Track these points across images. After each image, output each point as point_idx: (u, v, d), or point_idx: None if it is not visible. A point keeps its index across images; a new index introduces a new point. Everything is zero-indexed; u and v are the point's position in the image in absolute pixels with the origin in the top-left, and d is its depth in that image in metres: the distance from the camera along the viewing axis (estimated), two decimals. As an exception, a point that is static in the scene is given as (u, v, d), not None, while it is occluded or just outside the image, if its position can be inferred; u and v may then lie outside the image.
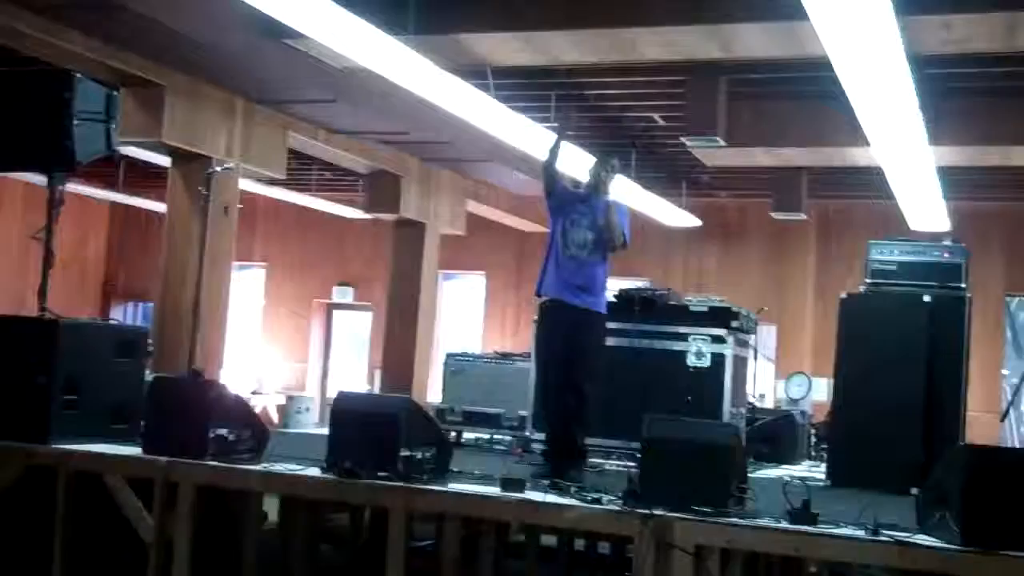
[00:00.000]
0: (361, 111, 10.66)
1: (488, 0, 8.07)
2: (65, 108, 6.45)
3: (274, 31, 8.29)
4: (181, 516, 5.94)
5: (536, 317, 7.01)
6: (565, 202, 6.90)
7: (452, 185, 14.51)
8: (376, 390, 15.25)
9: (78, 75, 6.64)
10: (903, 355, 7.52)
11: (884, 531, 4.86)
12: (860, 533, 4.88)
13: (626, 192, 12.18)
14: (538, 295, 6.89)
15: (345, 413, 5.96)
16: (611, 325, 7.30)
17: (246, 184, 12.88)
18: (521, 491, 5.57)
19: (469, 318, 18.20)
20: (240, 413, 6.32)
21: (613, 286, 7.47)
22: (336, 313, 19.12)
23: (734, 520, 5.06)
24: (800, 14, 6.41)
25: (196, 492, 5.96)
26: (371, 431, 5.77)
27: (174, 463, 5.99)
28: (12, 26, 7.96)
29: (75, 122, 6.46)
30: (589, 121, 12.17)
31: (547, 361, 6.84)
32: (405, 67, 8.13)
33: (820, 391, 13.30)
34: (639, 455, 5.57)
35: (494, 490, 5.62)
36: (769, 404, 13.74)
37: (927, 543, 4.77)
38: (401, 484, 5.60)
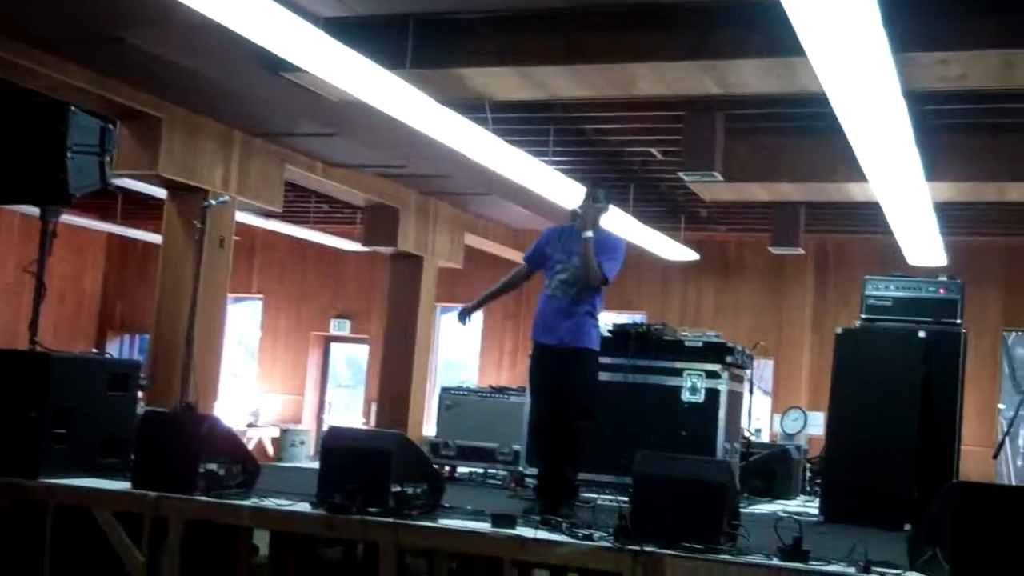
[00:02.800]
0: (359, 144, 10.69)
1: (486, 35, 8.10)
2: (59, 141, 6.45)
3: (272, 64, 8.34)
4: (170, 551, 5.92)
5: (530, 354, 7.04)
6: (550, 250, 6.88)
7: (451, 218, 14.54)
8: (372, 424, 15.21)
9: (72, 108, 6.65)
10: (897, 390, 7.52)
11: (874, 568, 4.84)
12: (851, 570, 4.87)
13: (623, 225, 12.20)
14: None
15: (336, 448, 5.95)
16: (605, 360, 7.28)
17: (243, 217, 12.92)
18: (512, 527, 5.54)
19: (466, 352, 18.19)
20: (230, 447, 6.31)
21: (608, 320, 7.48)
22: (333, 346, 19.11)
23: (724, 557, 5.05)
24: (797, 50, 6.45)
25: (185, 527, 5.94)
26: (362, 466, 5.75)
27: (163, 498, 5.97)
28: (9, 58, 7.98)
29: (69, 155, 6.46)
30: (588, 156, 12.22)
31: (537, 399, 6.89)
32: (402, 101, 8.17)
33: (816, 425, 13.23)
34: (631, 491, 5.56)
35: (484, 526, 5.60)
36: (765, 439, 13.71)
37: (918, 581, 4.77)
38: (391, 519, 5.59)
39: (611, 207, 7.05)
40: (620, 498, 7.01)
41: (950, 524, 4.72)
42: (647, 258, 15.04)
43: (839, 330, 7.92)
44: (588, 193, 6.85)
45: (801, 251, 13.89)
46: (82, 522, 6.15)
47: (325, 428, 16.94)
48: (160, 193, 10.78)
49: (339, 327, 18.41)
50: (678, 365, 8.06)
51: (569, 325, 6.66)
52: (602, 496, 7.28)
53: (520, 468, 8.38)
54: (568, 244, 6.78)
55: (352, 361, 19.39)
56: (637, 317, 15.22)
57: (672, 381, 8.05)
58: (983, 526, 4.66)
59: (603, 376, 7.33)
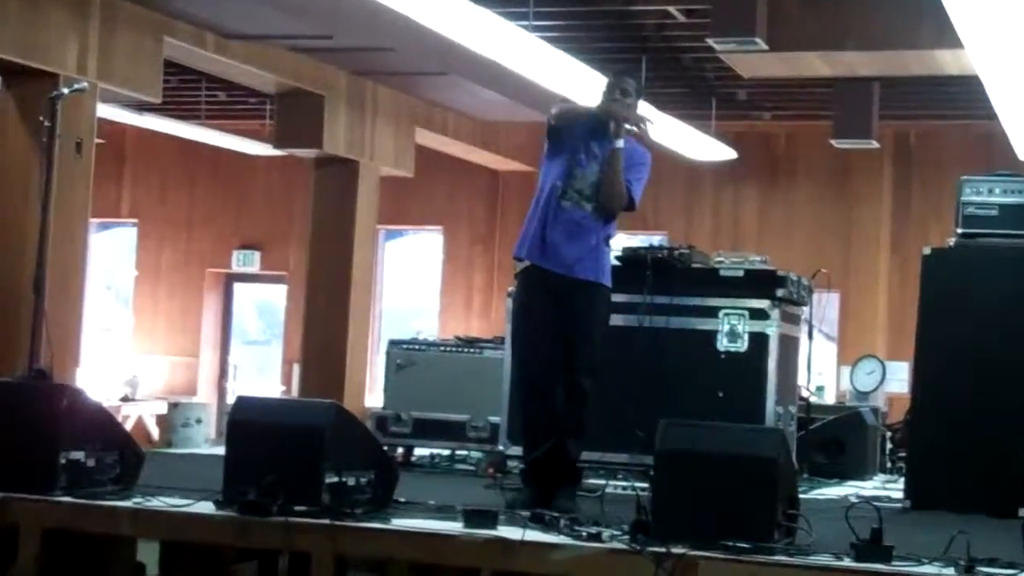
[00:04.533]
0: (265, 7, 10.60)
1: None
2: None
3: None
4: (22, 570, 5.93)
5: (513, 288, 6.99)
6: (575, 137, 6.79)
7: (395, 109, 14.51)
8: (295, 393, 15.25)
9: None
10: (1008, 330, 7.59)
11: (980, 568, 4.90)
12: (949, 571, 4.93)
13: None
14: (518, 259, 6.86)
15: (248, 426, 5.96)
16: (615, 297, 7.30)
17: (109, 111, 12.83)
18: (492, 527, 5.59)
19: (422, 290, 18.22)
20: (102, 429, 6.32)
21: (617, 244, 7.47)
22: (238, 287, 19.09)
23: (780, 558, 5.10)
24: None
25: (43, 537, 5.95)
26: (284, 450, 5.78)
27: (11, 500, 5.98)
28: None
29: None
30: (582, 19, 12.16)
31: (529, 349, 6.82)
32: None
33: (899, 380, 13.38)
34: (652, 474, 5.60)
35: (455, 526, 5.64)
36: (830, 399, 13.84)
37: (1039, 584, 4.84)
38: (327, 521, 5.61)
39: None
40: (637, 484, 7.07)
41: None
42: (667, 158, 15.04)
43: (927, 250, 7.97)
44: (612, 84, 6.80)
45: (875, 144, 13.93)
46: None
47: (231, 400, 16.97)
48: (-7, 82, 10.71)
49: (245, 261, 18.38)
50: (712, 303, 8.06)
51: (584, 250, 6.66)
52: (613, 482, 7.33)
53: (500, 448, 8.43)
54: (592, 145, 6.76)
55: (265, 308, 19.42)
56: (655, 239, 15.26)
57: (704, 324, 8.05)
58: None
59: (612, 319, 7.35)
